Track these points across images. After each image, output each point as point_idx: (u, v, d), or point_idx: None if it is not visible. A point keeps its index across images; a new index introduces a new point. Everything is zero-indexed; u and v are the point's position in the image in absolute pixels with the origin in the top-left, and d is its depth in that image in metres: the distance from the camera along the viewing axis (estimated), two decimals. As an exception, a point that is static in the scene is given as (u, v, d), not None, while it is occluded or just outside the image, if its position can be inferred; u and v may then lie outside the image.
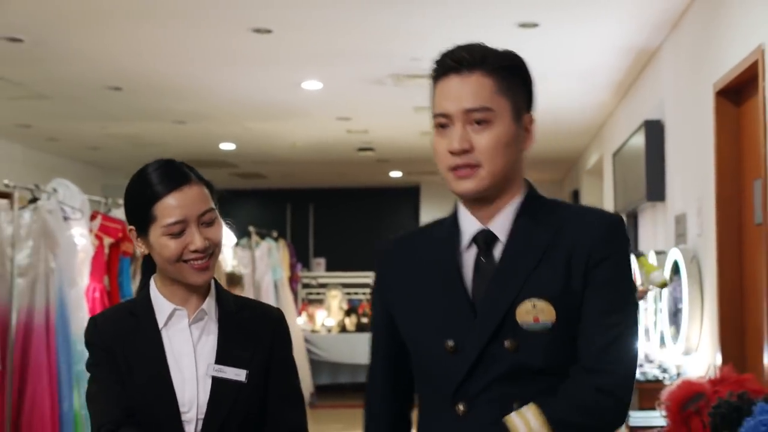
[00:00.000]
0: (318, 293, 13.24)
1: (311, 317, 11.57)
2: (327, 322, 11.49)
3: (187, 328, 2.23)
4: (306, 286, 13.28)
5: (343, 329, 11.49)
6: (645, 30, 6.46)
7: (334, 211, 16.88)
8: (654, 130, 6.67)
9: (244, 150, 12.45)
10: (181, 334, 2.22)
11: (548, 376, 1.94)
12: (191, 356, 2.20)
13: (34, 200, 5.44)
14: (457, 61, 1.98)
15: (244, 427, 2.22)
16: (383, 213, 16.79)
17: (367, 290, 12.92)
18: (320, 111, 9.55)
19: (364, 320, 11.45)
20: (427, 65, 6.52)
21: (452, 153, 1.94)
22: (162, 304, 2.23)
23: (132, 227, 2.25)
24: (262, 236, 10.21)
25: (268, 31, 6.49)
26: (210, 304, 2.25)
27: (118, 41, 6.80)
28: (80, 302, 5.48)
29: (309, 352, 10.77)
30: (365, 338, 9.30)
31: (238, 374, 2.18)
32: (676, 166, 6.25)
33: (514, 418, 1.88)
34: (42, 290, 5.31)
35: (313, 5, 5.88)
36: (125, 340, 2.22)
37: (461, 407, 1.95)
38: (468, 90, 1.95)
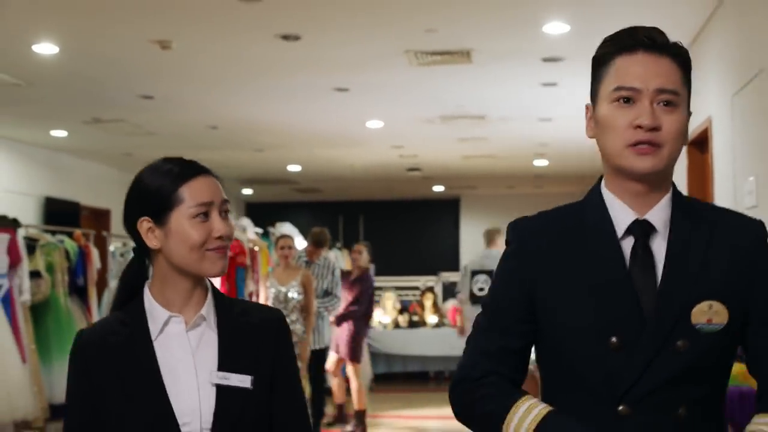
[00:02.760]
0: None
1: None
2: (383, 320, 13.19)
3: (184, 335, 2.07)
4: (363, 288, 15.00)
5: (396, 326, 13.18)
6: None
7: (382, 221, 18.54)
8: (651, 164, 8.40)
9: (308, 170, 14.28)
10: (177, 342, 2.07)
11: (710, 380, 1.88)
12: (190, 364, 2.05)
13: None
14: (651, 39, 1.86)
15: None
16: (426, 222, 18.50)
17: (416, 292, 14.66)
18: (379, 142, 11.39)
19: (415, 318, 13.16)
20: (471, 110, 8.56)
21: (641, 128, 1.82)
22: (157, 312, 2.07)
23: (145, 218, 2.06)
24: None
25: (346, 90, 8.33)
26: (209, 309, 2.10)
27: (223, 94, 8.63)
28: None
29: (368, 345, 12.45)
30: (416, 333, 11.30)
31: (243, 380, 2.04)
32: (666, 193, 7.97)
33: None
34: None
35: (385, 68, 7.63)
36: (113, 353, 2.05)
37: (623, 408, 1.83)
38: (661, 70, 1.84)
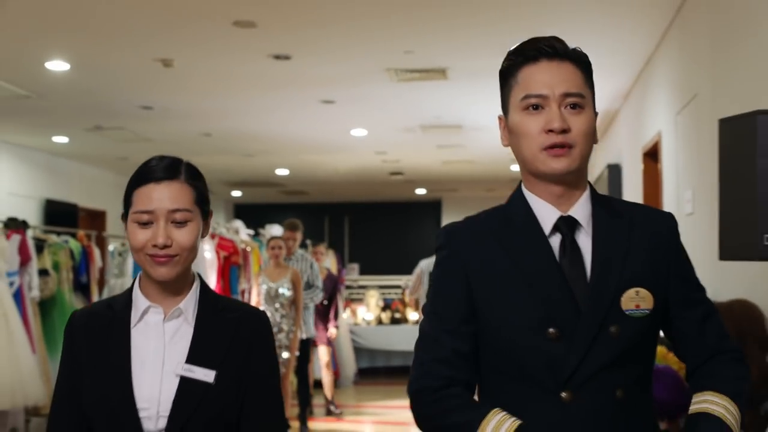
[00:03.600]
0: (358, 293, 15.64)
1: (354, 312, 13.92)
2: (366, 317, 13.82)
3: (161, 325, 2.16)
4: (348, 287, 15.66)
5: (379, 322, 13.81)
6: (606, 98, 8.91)
7: (366, 222, 19.17)
8: (614, 171, 9.13)
9: (295, 174, 14.92)
10: (152, 331, 2.16)
11: (641, 361, 1.99)
12: (159, 354, 2.14)
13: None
14: (551, 47, 1.97)
15: (211, 428, 2.14)
16: (409, 224, 19.14)
17: (398, 291, 15.31)
18: (363, 148, 12.06)
19: (397, 315, 13.83)
20: (448, 120, 9.32)
21: (552, 132, 1.92)
22: (139, 301, 2.18)
23: (122, 212, 2.19)
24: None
25: (332, 102, 8.98)
26: (188, 303, 2.17)
27: (218, 106, 9.26)
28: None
29: (352, 341, 13.07)
30: (398, 329, 11.97)
31: (207, 375, 2.11)
32: (627, 198, 8.67)
33: (714, 408, 1.96)
34: (186, 289, 7.78)
35: (368, 83, 8.28)
36: (95, 333, 2.16)
37: (566, 395, 1.91)
38: (565, 75, 1.95)
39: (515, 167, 14.08)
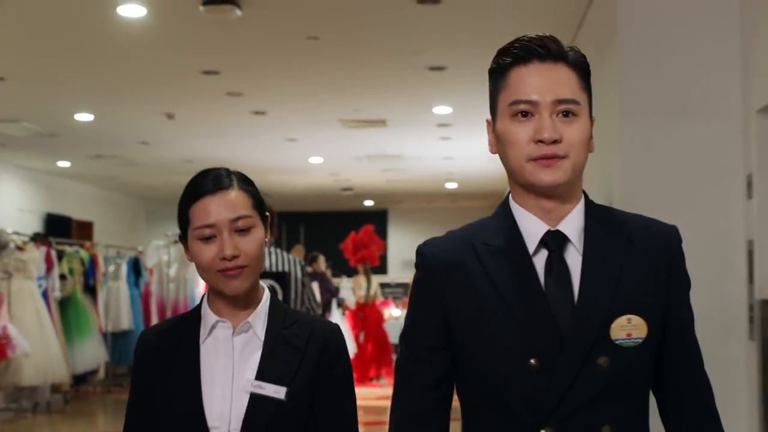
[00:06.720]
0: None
1: (310, 310, 16.10)
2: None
3: (230, 340, 2.05)
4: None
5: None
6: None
7: (319, 230, 21.08)
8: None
9: (259, 190, 17.00)
10: (221, 347, 2.05)
11: (633, 395, 1.79)
12: (229, 370, 2.04)
13: (176, 241, 10.05)
14: (545, 48, 1.75)
15: None
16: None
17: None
18: (319, 172, 14.32)
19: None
20: (390, 152, 11.96)
21: (542, 142, 1.70)
22: (208, 317, 2.07)
23: (180, 234, 2.10)
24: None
25: (295, 140, 11.20)
26: (257, 317, 2.06)
27: (204, 144, 11.41)
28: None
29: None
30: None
31: (278, 391, 1.99)
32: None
33: None
34: (182, 291, 9.92)
35: (324, 130, 10.51)
36: (165, 351, 2.08)
37: (546, 431, 1.73)
38: (558, 79, 1.74)
39: (450, 185, 16.35)
